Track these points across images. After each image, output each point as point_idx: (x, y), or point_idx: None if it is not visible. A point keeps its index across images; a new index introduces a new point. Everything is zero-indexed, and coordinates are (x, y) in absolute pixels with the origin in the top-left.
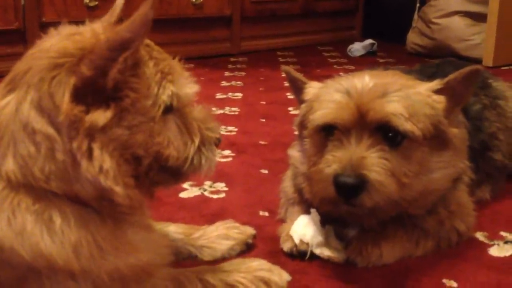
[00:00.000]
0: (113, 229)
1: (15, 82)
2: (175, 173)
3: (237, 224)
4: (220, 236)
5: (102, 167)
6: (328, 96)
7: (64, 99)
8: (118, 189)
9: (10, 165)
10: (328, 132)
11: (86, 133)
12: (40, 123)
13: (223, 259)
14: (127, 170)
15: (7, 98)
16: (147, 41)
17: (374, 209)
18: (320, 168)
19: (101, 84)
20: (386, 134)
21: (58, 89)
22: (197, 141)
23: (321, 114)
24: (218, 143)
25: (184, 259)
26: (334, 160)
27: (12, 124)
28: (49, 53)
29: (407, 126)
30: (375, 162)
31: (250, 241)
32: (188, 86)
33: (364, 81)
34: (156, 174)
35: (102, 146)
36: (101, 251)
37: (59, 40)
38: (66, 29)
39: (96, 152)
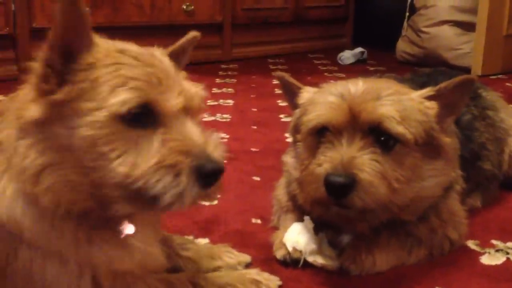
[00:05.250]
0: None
1: None
2: (133, 196)
3: (234, 251)
4: (210, 255)
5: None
6: (322, 99)
7: None
8: (38, 191)
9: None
10: (320, 135)
11: (23, 126)
12: None
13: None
14: (71, 178)
15: None
16: (123, 46)
17: (364, 211)
18: (311, 169)
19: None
20: (379, 137)
21: None
22: (152, 161)
23: (314, 116)
24: (210, 174)
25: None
26: (326, 160)
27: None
28: None
29: (399, 129)
30: (366, 163)
31: (240, 268)
32: (172, 98)
33: (358, 85)
34: (111, 191)
35: (32, 143)
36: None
37: None
38: None
39: (22, 148)
